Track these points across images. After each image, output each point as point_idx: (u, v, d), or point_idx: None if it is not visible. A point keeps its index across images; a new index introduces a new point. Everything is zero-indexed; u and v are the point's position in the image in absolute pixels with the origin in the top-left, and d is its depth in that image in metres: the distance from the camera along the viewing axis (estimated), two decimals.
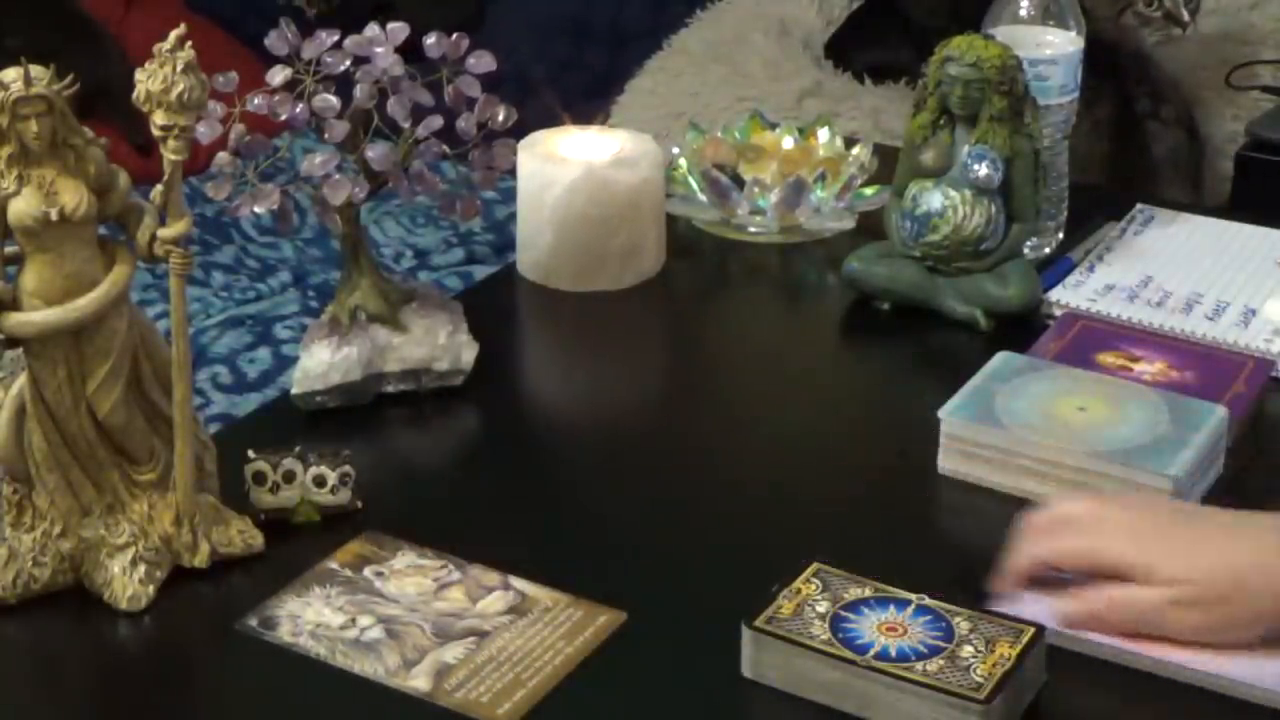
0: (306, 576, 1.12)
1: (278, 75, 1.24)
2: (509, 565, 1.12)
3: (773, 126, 1.72)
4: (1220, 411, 1.22)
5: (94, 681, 1.08)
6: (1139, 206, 1.65)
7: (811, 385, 1.42)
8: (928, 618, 1.02)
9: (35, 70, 1.02)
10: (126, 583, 1.08)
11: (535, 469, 1.28)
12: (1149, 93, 2.46)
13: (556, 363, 1.51)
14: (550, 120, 1.57)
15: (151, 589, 1.09)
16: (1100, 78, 2.31)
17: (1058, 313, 1.44)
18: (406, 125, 1.26)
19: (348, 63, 1.25)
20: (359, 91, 1.25)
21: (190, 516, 1.11)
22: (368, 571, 1.12)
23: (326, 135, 1.24)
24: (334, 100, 1.24)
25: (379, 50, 1.25)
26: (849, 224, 1.63)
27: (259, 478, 1.16)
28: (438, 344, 1.33)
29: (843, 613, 1.03)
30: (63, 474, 1.08)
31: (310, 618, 1.08)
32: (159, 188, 1.07)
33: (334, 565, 1.13)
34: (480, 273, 2.37)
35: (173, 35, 1.04)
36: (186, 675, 1.08)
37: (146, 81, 1.04)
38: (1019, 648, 0.99)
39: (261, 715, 1.04)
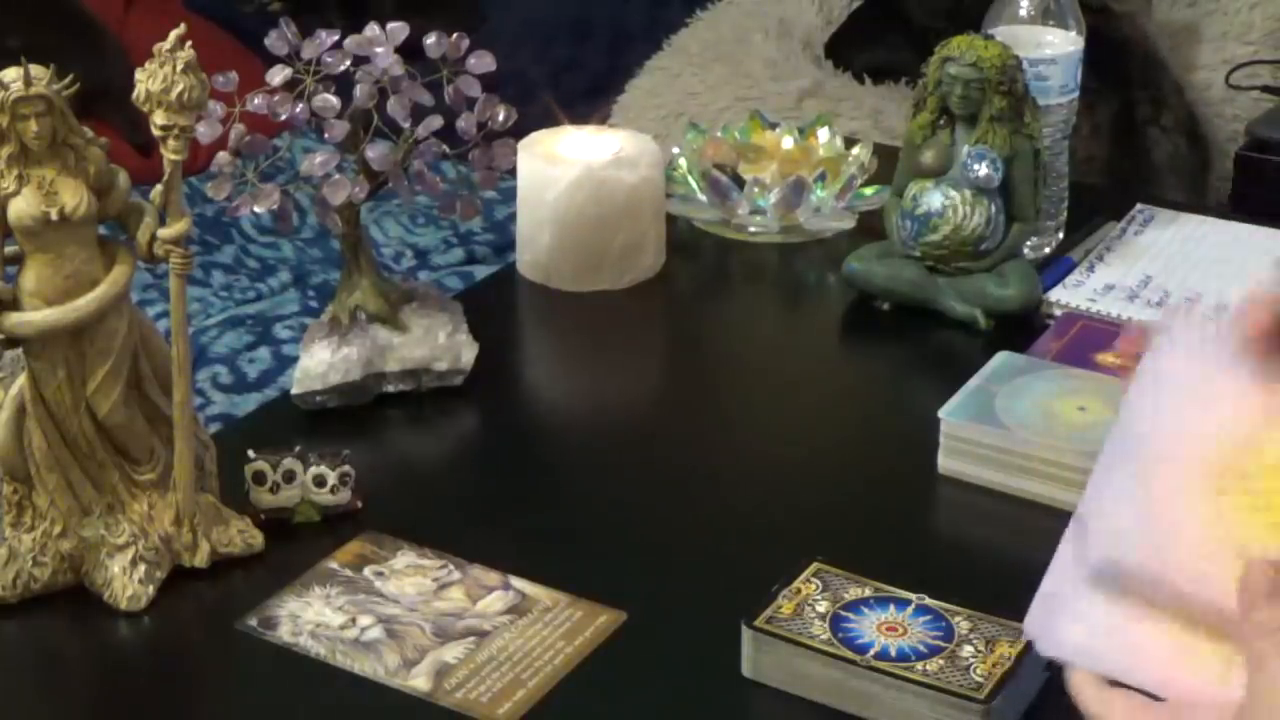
0: (306, 576, 1.12)
1: (278, 75, 1.24)
2: (509, 565, 1.12)
3: (773, 126, 1.72)
4: None
5: (94, 681, 1.08)
6: (1139, 206, 1.65)
7: (811, 385, 1.42)
8: (928, 618, 1.02)
9: (35, 70, 1.02)
10: (126, 583, 1.08)
11: (535, 469, 1.28)
12: (1151, 97, 2.46)
13: (556, 363, 1.51)
14: (550, 120, 1.57)
15: (151, 589, 1.09)
16: (1103, 79, 2.31)
17: (1058, 313, 1.44)
18: (406, 125, 1.26)
19: (348, 63, 1.25)
20: (359, 91, 1.25)
21: (190, 516, 1.11)
22: (368, 571, 1.12)
23: (326, 135, 1.24)
24: (334, 100, 1.24)
25: (379, 50, 1.25)
26: (849, 224, 1.63)
27: (259, 478, 1.16)
28: (438, 344, 1.33)
29: (843, 613, 1.03)
30: (63, 474, 1.08)
31: (310, 618, 1.08)
32: (159, 188, 1.07)
33: (334, 565, 1.13)
34: (480, 273, 2.37)
35: (173, 35, 1.04)
36: (186, 675, 1.08)
37: (146, 81, 1.04)
38: (1019, 648, 0.99)
39: (261, 715, 1.04)
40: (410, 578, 1.12)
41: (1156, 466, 0.74)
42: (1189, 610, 0.72)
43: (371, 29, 1.26)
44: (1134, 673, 0.73)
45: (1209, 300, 1.45)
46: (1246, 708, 0.69)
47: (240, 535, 1.13)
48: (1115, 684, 0.74)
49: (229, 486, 1.15)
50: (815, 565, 1.07)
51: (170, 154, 1.05)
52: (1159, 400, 0.75)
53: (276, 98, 1.24)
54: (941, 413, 1.23)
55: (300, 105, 1.24)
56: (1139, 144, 2.43)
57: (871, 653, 0.99)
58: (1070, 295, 1.46)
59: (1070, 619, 0.74)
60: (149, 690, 1.06)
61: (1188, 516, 0.72)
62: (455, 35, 1.29)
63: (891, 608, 1.03)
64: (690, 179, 1.64)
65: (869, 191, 1.64)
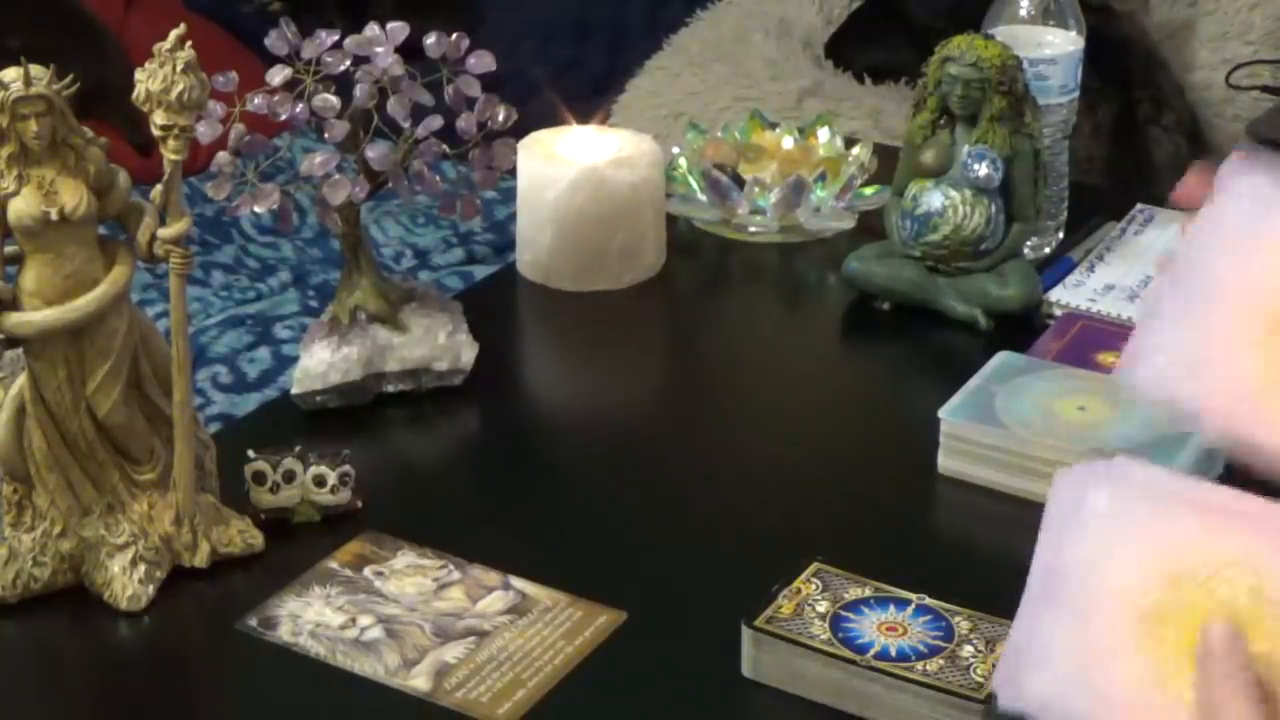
0: (306, 576, 1.12)
1: (278, 75, 1.24)
2: (509, 565, 1.12)
3: (773, 126, 1.72)
4: None
5: (94, 681, 1.08)
6: (1139, 206, 1.65)
7: (811, 385, 1.42)
8: (928, 617, 1.02)
9: (35, 70, 1.02)
10: (126, 583, 1.08)
11: (535, 469, 1.28)
12: (1151, 97, 2.46)
13: (556, 363, 1.51)
14: (550, 120, 1.57)
15: (151, 589, 1.09)
16: (1104, 79, 2.30)
17: (1058, 313, 1.44)
18: (406, 125, 1.26)
19: (348, 63, 1.25)
20: (359, 91, 1.25)
21: (190, 516, 1.11)
22: (368, 571, 1.12)
23: (326, 135, 1.24)
24: (334, 100, 1.24)
25: (379, 50, 1.25)
26: (849, 224, 1.63)
27: (259, 478, 1.16)
28: (438, 344, 1.33)
29: (843, 612, 1.03)
30: (63, 474, 1.08)
31: (310, 618, 1.08)
32: (159, 187, 1.07)
33: (334, 565, 1.13)
34: (480, 273, 2.37)
35: (173, 35, 1.04)
36: (186, 675, 1.08)
37: (146, 81, 1.04)
38: None
39: (261, 715, 1.04)
40: (410, 578, 1.12)
41: (1077, 607, 0.72)
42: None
43: (371, 29, 1.26)
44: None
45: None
46: None
47: (240, 535, 1.13)
48: None
49: (229, 486, 1.15)
50: (815, 565, 1.07)
51: (170, 154, 1.05)
52: (1219, 239, 0.73)
53: (276, 98, 1.24)
54: (941, 412, 1.23)
55: (300, 105, 1.24)
56: (1139, 144, 2.43)
57: (871, 653, 0.99)
58: (1070, 295, 1.46)
59: (1035, 668, 0.73)
60: (149, 690, 1.06)
61: (1117, 655, 0.71)
62: (455, 35, 1.29)
63: (891, 608, 1.03)
64: (690, 179, 1.64)
65: (869, 191, 1.64)
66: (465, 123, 1.30)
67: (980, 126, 1.42)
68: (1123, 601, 0.71)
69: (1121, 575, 0.71)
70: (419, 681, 1.03)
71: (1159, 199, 1.72)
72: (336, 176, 1.26)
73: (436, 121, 1.27)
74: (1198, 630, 0.69)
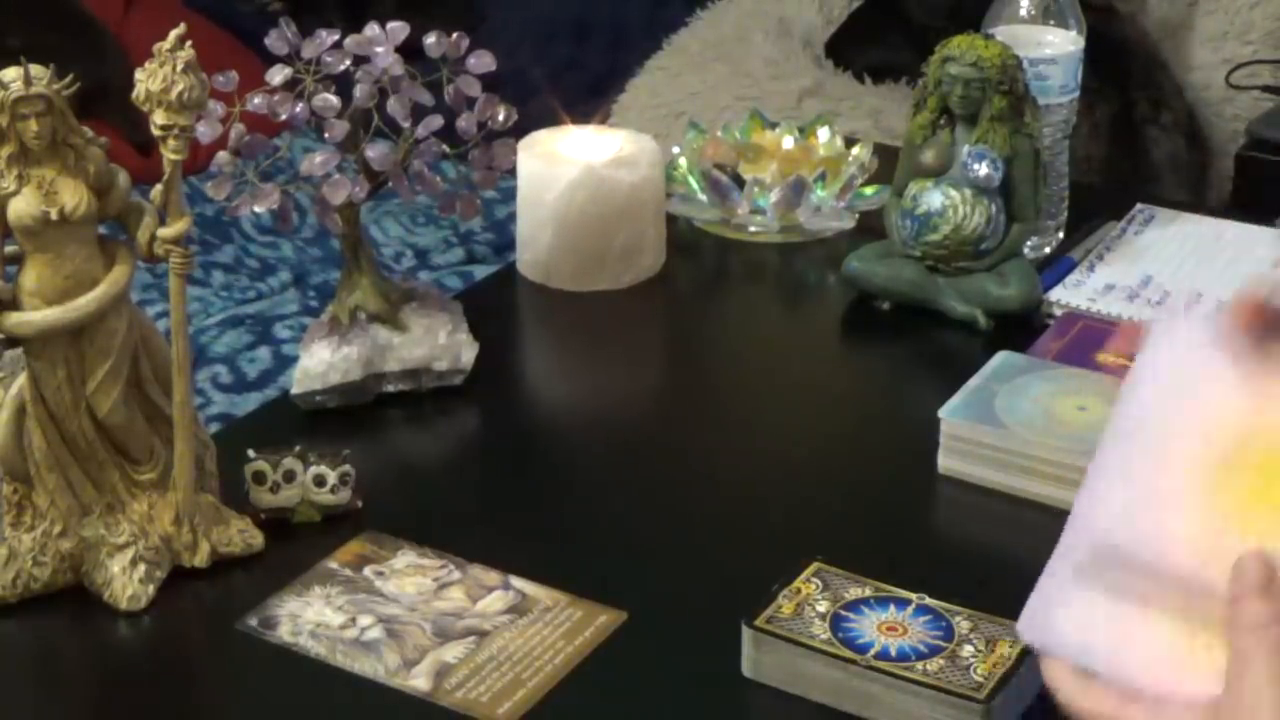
0: (306, 576, 1.12)
1: (278, 75, 1.24)
2: (509, 565, 1.12)
3: (773, 126, 1.72)
4: None
5: (94, 681, 1.08)
6: (1139, 206, 1.65)
7: (811, 385, 1.42)
8: (928, 617, 1.02)
9: (35, 70, 1.02)
10: (126, 582, 1.08)
11: (535, 469, 1.28)
12: (1150, 97, 2.46)
13: (556, 363, 1.51)
14: (550, 120, 1.57)
15: (151, 589, 1.09)
16: (1103, 79, 2.31)
17: (1058, 312, 1.44)
18: (406, 125, 1.26)
19: (348, 62, 1.25)
20: (359, 91, 1.25)
21: (190, 516, 1.11)
22: (368, 571, 1.12)
23: (326, 135, 1.24)
24: (334, 100, 1.24)
25: (379, 50, 1.25)
26: (849, 224, 1.63)
27: (259, 478, 1.16)
28: (438, 344, 1.33)
29: (843, 612, 1.03)
30: (63, 474, 1.08)
31: (310, 618, 1.08)
32: (159, 187, 1.07)
33: (334, 565, 1.13)
34: (480, 273, 2.37)
35: (173, 35, 1.04)
36: (186, 675, 1.08)
37: (146, 81, 1.04)
38: (1019, 647, 0.99)
39: (261, 715, 1.04)
40: (410, 578, 1.12)
41: (1150, 452, 0.74)
42: (1183, 595, 0.72)
43: (371, 29, 1.26)
44: (1119, 667, 0.73)
45: (1209, 299, 1.46)
46: (1225, 706, 0.69)
47: (240, 535, 1.13)
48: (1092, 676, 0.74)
49: (229, 486, 1.15)
50: (815, 565, 1.07)
51: (170, 154, 1.05)
52: (1154, 393, 0.75)
53: (276, 98, 1.24)
54: (941, 412, 1.23)
55: (300, 105, 1.24)
56: (1138, 144, 2.44)
57: (872, 653, 0.99)
58: (1070, 295, 1.46)
59: (1060, 611, 0.74)
60: (149, 690, 1.06)
61: (1185, 498, 0.72)
62: (455, 35, 1.29)
63: (891, 608, 1.03)
64: (690, 179, 1.64)
65: (869, 191, 1.64)
66: (465, 123, 1.30)
67: (980, 126, 1.42)
68: (1200, 446, 0.73)
69: (1202, 423, 0.73)
70: (419, 681, 1.03)
71: (1159, 199, 1.73)
72: (336, 176, 1.26)
73: (436, 121, 1.27)
74: (1270, 486, 0.71)
